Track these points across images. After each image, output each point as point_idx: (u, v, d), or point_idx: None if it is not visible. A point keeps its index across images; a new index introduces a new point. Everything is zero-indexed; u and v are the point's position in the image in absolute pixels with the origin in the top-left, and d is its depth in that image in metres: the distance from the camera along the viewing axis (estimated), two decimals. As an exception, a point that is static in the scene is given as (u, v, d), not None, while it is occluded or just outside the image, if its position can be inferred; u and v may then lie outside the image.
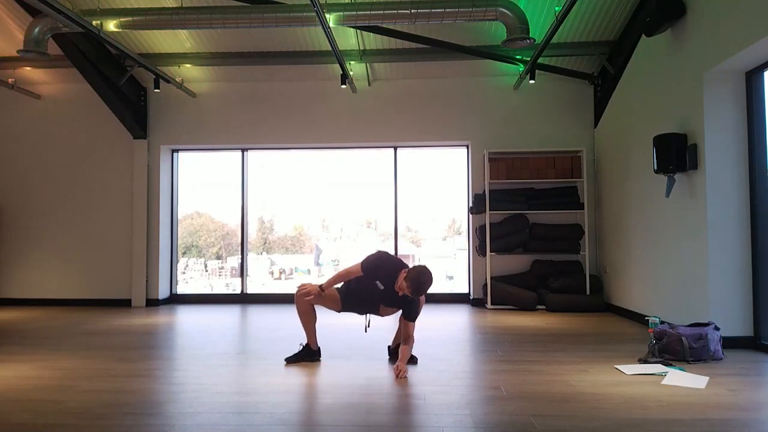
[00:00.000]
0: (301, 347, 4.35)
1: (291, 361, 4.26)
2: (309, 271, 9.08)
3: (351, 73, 7.41)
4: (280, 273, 9.03)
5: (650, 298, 5.93)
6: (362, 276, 4.09)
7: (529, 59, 6.92)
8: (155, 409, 3.13)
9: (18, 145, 8.24)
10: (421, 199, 8.38)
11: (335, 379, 3.77)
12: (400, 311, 4.13)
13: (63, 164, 8.19)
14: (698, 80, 4.93)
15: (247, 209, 8.42)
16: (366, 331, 4.48)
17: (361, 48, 7.18)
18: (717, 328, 4.40)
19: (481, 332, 5.61)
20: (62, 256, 8.14)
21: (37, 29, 5.65)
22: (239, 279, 8.40)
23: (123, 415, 3.02)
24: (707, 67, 4.80)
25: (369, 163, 8.47)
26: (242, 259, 8.37)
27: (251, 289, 8.42)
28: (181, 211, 8.64)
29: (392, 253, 7.98)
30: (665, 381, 3.66)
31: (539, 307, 7.26)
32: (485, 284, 7.51)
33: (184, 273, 8.86)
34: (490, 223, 7.51)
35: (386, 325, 5.70)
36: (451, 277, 8.79)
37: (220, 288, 8.80)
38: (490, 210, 7.42)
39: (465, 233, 8.37)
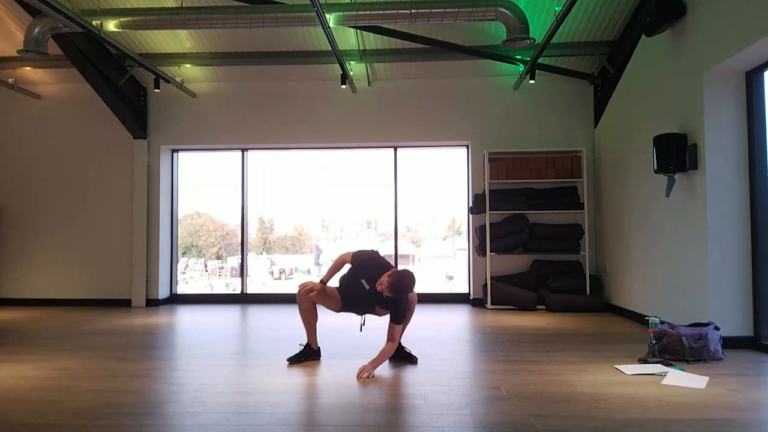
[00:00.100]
0: (302, 347, 4.35)
1: (293, 361, 4.27)
2: (309, 271, 9.08)
3: (351, 73, 7.41)
4: (280, 273, 9.03)
5: (650, 298, 5.93)
6: (350, 272, 4.15)
7: (529, 59, 6.92)
8: (155, 409, 3.13)
9: (18, 145, 8.24)
10: (421, 199, 8.39)
11: (335, 379, 3.77)
12: None
13: (63, 164, 8.19)
14: (698, 80, 4.93)
15: (247, 209, 8.42)
16: (361, 330, 4.50)
17: (361, 48, 7.18)
18: (717, 328, 4.40)
19: (481, 332, 5.61)
20: (62, 256, 8.14)
21: (37, 29, 5.65)
22: (239, 279, 8.40)
23: (123, 415, 3.02)
24: (707, 67, 4.80)
25: (369, 163, 8.47)
26: (242, 259, 8.37)
27: (251, 289, 8.42)
28: (181, 211, 8.64)
29: (392, 252, 8.02)
30: (665, 381, 3.66)
31: (539, 307, 7.26)
32: (485, 284, 7.51)
33: (184, 273, 8.86)
34: (490, 223, 7.51)
35: (386, 326, 5.69)
36: (451, 277, 8.79)
37: (220, 288, 8.80)
38: (490, 210, 7.42)
39: (465, 233, 8.37)
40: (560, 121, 7.72)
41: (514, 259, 7.73)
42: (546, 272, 7.44)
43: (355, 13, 5.53)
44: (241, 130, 8.02)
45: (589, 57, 7.24)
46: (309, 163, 8.62)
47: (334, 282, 4.33)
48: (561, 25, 5.64)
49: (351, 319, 5.95)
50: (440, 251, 8.99)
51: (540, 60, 7.00)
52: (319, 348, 4.39)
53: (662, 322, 4.94)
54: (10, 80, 7.68)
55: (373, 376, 3.84)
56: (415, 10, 5.43)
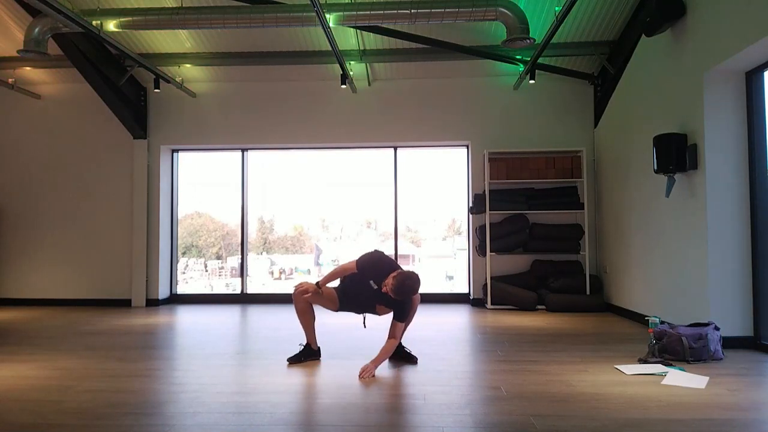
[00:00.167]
0: (301, 347, 4.35)
1: (293, 361, 4.26)
2: (309, 271, 9.08)
3: (351, 73, 7.41)
4: (280, 273, 9.03)
5: (650, 298, 5.93)
6: (356, 274, 4.12)
7: (529, 59, 6.92)
8: (155, 409, 3.13)
9: (18, 145, 8.24)
10: (421, 199, 8.39)
11: (335, 379, 3.77)
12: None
13: (63, 164, 8.19)
14: (698, 80, 4.93)
15: (247, 209, 8.42)
16: (365, 326, 4.43)
17: (361, 48, 7.18)
18: (717, 328, 4.40)
19: (481, 332, 5.61)
20: (62, 256, 8.14)
21: (37, 29, 5.65)
22: (239, 279, 8.40)
23: (123, 415, 3.02)
24: (707, 67, 4.80)
25: (369, 163, 8.48)
26: (242, 259, 8.37)
27: (251, 289, 8.42)
28: (181, 211, 8.64)
29: (392, 252, 8.02)
30: (665, 381, 3.66)
31: (539, 307, 7.26)
32: (485, 284, 7.51)
33: (184, 273, 8.86)
34: (490, 223, 7.51)
35: (386, 326, 5.69)
36: (451, 277, 8.79)
37: (220, 288, 8.80)
38: (490, 210, 7.42)
39: (465, 233, 8.37)
40: (560, 121, 7.72)
41: (514, 259, 7.73)
42: (546, 272, 7.44)
43: (355, 13, 5.53)
44: (241, 130, 8.02)
45: (589, 57, 7.24)
46: (309, 163, 8.62)
47: (333, 282, 4.32)
48: (561, 25, 5.64)
49: (351, 319, 5.95)
50: (440, 251, 8.99)
51: (540, 60, 7.00)
52: (319, 348, 4.39)
53: (662, 322, 4.95)
54: (10, 80, 7.68)
55: (374, 376, 3.84)
56: (415, 10, 5.43)
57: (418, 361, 4.27)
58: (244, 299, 8.29)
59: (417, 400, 3.30)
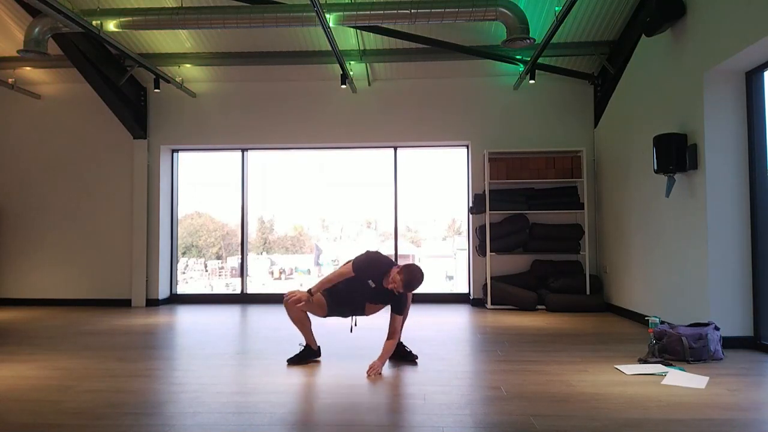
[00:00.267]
0: (302, 348, 4.35)
1: (293, 362, 4.26)
2: (309, 271, 9.09)
3: (351, 73, 7.41)
4: (280, 273, 9.03)
5: (650, 298, 5.93)
6: (353, 276, 4.12)
7: (529, 59, 6.92)
8: (155, 409, 3.13)
9: (18, 145, 8.24)
10: (421, 199, 8.39)
11: (335, 379, 3.77)
12: (389, 308, 4.17)
13: (63, 164, 8.19)
14: (698, 80, 4.93)
15: (247, 209, 8.42)
16: (351, 331, 4.54)
17: (361, 48, 7.18)
18: (717, 328, 4.40)
19: (481, 332, 5.61)
20: (62, 256, 8.14)
21: (37, 29, 5.65)
22: (239, 279, 8.40)
23: (123, 415, 3.02)
24: (707, 67, 4.80)
25: (369, 163, 8.48)
26: (242, 259, 8.37)
27: (251, 289, 8.42)
28: (181, 211, 8.64)
29: (392, 252, 8.03)
30: (665, 381, 3.66)
31: (539, 307, 7.26)
32: (485, 284, 7.51)
33: (184, 273, 8.86)
34: (490, 223, 7.51)
35: (380, 326, 5.69)
36: (451, 277, 8.79)
37: (220, 288, 8.81)
38: (490, 210, 7.42)
39: (465, 233, 8.37)
40: (560, 121, 7.72)
41: (514, 259, 7.73)
42: (546, 272, 7.44)
43: (355, 13, 5.53)
44: (241, 130, 8.02)
45: (589, 57, 7.24)
46: (309, 163, 8.62)
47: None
48: (561, 25, 5.64)
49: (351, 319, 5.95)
50: (440, 251, 8.99)
51: (540, 60, 7.00)
52: (319, 347, 4.39)
53: (662, 322, 4.94)
54: (10, 80, 7.68)
55: (380, 374, 3.88)
56: (415, 10, 5.43)
57: (417, 361, 4.27)
58: (244, 299, 8.29)
59: (417, 400, 3.30)
